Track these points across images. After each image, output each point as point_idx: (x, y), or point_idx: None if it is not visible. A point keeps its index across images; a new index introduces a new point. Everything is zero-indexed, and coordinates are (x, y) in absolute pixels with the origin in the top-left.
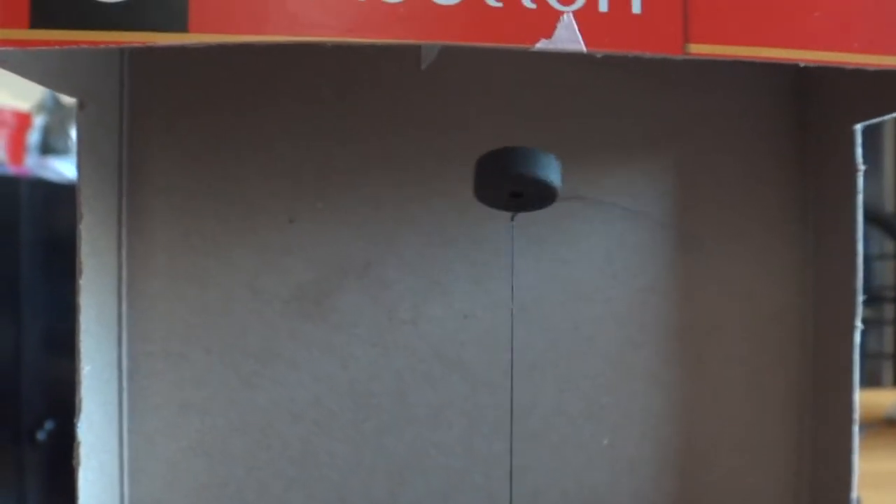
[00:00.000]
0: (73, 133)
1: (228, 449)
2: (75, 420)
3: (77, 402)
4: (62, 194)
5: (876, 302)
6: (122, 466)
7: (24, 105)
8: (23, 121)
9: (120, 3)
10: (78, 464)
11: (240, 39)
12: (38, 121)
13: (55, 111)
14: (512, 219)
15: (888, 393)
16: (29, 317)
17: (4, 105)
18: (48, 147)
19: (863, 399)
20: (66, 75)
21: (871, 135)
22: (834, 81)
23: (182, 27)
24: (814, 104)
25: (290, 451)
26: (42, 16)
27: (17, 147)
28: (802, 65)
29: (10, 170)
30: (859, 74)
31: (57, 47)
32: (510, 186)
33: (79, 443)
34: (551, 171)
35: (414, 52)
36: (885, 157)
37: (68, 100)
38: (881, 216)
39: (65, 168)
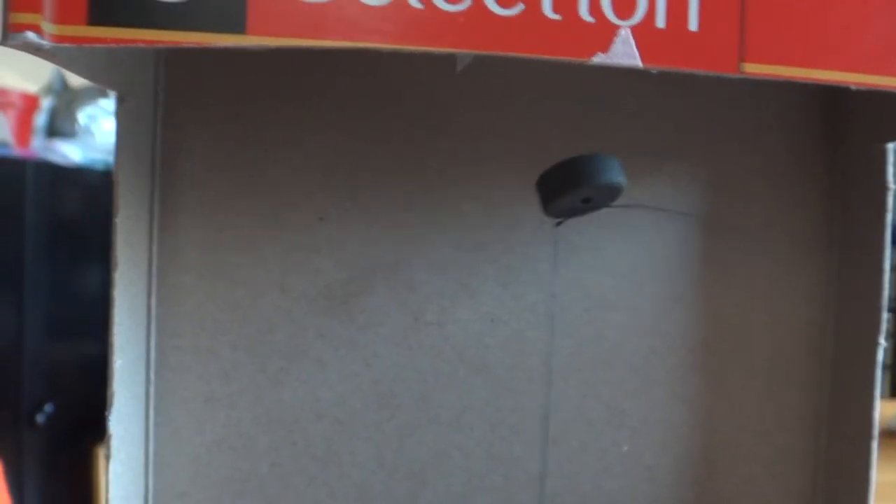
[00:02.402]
0: (81, 116)
1: (253, 444)
2: (107, 413)
3: (108, 395)
4: (68, 177)
5: None
6: (147, 459)
7: (31, 87)
8: (30, 103)
9: (178, 2)
10: (109, 456)
11: (297, 43)
12: (46, 103)
13: (63, 94)
14: (557, 224)
15: (889, 404)
16: (31, 300)
17: (12, 87)
18: (55, 130)
19: None
20: (109, 69)
21: None
22: (866, 99)
23: (240, 29)
24: (845, 121)
25: (313, 448)
26: (100, 13)
27: (23, 129)
28: (854, 88)
29: (17, 152)
30: (893, 95)
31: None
32: (581, 196)
33: (110, 436)
34: (616, 173)
35: (450, 55)
36: None
37: (76, 82)
38: None
39: (71, 151)
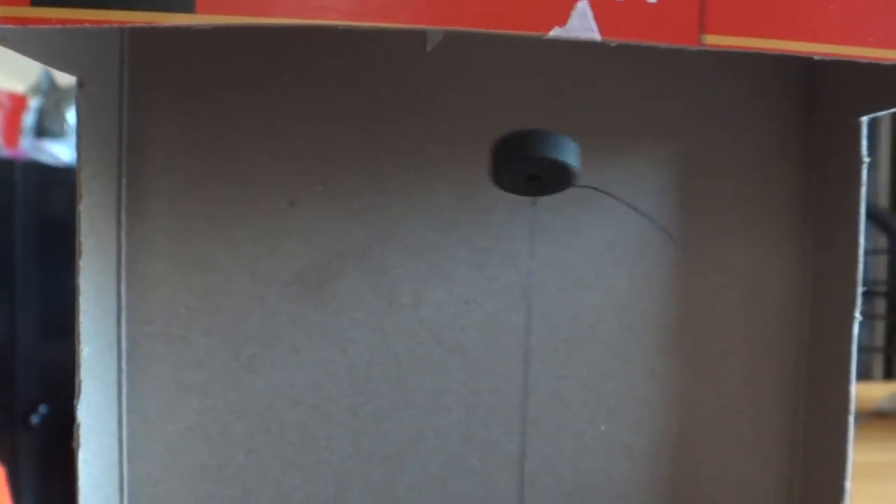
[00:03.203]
0: (69, 116)
1: (227, 431)
2: (75, 402)
3: (76, 384)
4: (57, 177)
5: (868, 296)
6: (120, 448)
7: (19, 87)
8: (18, 103)
9: None
10: (78, 446)
11: (247, 21)
12: (34, 103)
13: (51, 93)
14: (533, 203)
15: (878, 386)
16: (24, 300)
17: None
18: (43, 129)
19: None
20: (65, 53)
21: (868, 128)
22: (841, 73)
23: (188, 7)
24: (820, 95)
25: (289, 434)
26: None
27: (11, 129)
28: (817, 58)
29: (5, 152)
30: (867, 67)
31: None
32: (528, 169)
33: (78, 425)
34: (569, 154)
35: (420, 34)
36: (881, 151)
37: (64, 81)
38: (875, 211)
39: (60, 151)
